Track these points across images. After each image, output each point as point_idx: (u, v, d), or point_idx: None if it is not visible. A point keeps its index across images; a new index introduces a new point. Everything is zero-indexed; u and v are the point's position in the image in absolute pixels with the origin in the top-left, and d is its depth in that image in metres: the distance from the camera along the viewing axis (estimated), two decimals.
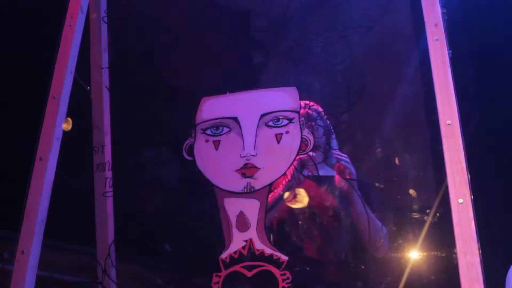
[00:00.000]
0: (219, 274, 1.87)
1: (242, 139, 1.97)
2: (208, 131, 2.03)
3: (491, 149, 2.68)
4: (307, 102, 1.99)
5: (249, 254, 1.88)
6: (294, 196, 1.99)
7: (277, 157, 1.94)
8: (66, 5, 2.20)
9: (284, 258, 1.86)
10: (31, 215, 1.89)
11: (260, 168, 1.94)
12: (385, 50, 2.20)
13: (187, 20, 2.23)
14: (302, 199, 2.00)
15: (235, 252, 1.89)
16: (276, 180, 1.95)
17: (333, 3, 2.09)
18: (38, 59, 2.30)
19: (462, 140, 1.67)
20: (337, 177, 2.02)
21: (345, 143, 2.10)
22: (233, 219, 1.93)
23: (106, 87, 2.31)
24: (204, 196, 2.01)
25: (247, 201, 1.93)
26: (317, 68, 2.03)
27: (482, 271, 1.51)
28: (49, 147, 1.97)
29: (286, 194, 1.98)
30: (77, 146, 2.24)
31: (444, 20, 1.84)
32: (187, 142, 2.05)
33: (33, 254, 1.85)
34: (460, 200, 1.59)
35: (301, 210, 1.98)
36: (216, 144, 2.01)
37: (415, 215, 2.00)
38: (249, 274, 1.87)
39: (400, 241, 1.96)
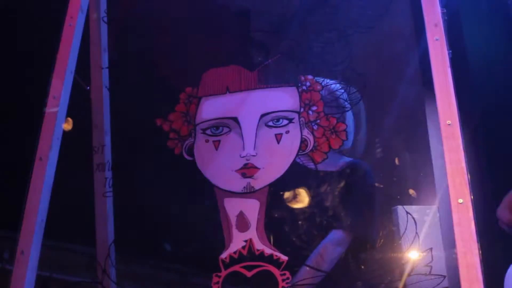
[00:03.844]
0: (219, 274, 1.88)
1: (242, 139, 1.97)
2: (208, 131, 2.03)
3: (491, 149, 2.67)
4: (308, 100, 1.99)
5: (249, 254, 1.88)
6: (295, 196, 2.00)
7: (277, 157, 1.94)
8: (66, 5, 2.20)
9: (284, 258, 1.86)
10: (31, 215, 1.89)
11: (260, 168, 1.94)
12: (385, 50, 2.20)
13: (187, 20, 2.23)
14: (303, 199, 2.00)
15: (235, 252, 1.89)
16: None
17: (333, 3, 2.09)
18: (38, 59, 2.30)
19: (462, 140, 1.66)
20: None
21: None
22: (233, 219, 1.93)
23: (106, 87, 2.31)
24: (204, 196, 2.01)
25: (247, 201, 1.93)
26: (317, 68, 2.03)
27: (482, 271, 1.51)
28: (49, 147, 1.97)
29: (287, 194, 1.99)
30: (77, 146, 2.23)
31: (444, 20, 1.84)
32: (187, 142, 2.05)
33: (33, 254, 1.85)
34: (460, 200, 1.59)
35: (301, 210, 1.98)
36: (216, 144, 2.01)
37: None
38: (249, 274, 1.87)
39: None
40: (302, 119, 1.96)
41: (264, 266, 1.86)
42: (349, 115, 2.06)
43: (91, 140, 2.28)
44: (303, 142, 1.94)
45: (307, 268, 1.87)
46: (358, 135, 2.09)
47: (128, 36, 2.34)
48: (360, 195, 2.00)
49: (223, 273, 1.88)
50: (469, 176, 1.62)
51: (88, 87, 2.31)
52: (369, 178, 2.03)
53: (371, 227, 1.96)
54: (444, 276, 1.76)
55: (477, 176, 1.70)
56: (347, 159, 2.05)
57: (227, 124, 2.01)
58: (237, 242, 1.90)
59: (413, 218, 1.88)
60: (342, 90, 2.02)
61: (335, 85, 2.03)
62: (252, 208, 1.92)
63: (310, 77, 2.00)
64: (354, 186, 1.99)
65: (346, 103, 2.03)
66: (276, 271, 1.84)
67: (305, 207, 1.97)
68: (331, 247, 1.91)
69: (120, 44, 2.35)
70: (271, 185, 1.94)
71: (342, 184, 1.99)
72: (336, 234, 1.94)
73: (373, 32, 2.05)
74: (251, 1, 2.24)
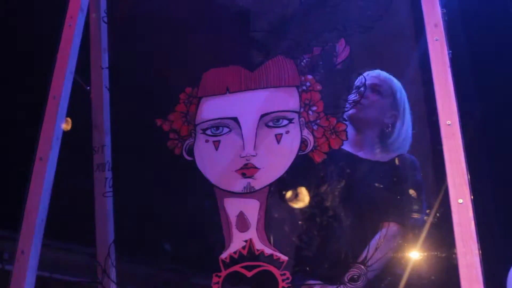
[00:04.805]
0: (219, 274, 1.87)
1: (242, 139, 1.97)
2: (208, 131, 2.03)
3: (491, 149, 2.68)
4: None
5: (249, 254, 1.88)
6: (296, 195, 2.00)
7: (277, 158, 1.94)
8: (66, 5, 2.20)
9: (284, 258, 1.86)
10: (31, 215, 1.89)
11: (260, 169, 1.94)
12: (385, 50, 2.20)
13: (187, 20, 2.23)
14: (303, 198, 2.00)
15: (235, 252, 1.89)
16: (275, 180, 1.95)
17: (333, 3, 2.09)
18: (38, 59, 2.30)
19: (462, 140, 1.66)
20: None
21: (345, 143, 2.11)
22: (233, 219, 1.93)
23: (106, 87, 2.31)
24: (204, 196, 2.01)
25: (247, 201, 1.93)
26: (317, 68, 2.03)
27: (482, 271, 1.51)
28: (49, 147, 1.97)
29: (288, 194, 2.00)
30: (77, 146, 2.23)
31: (444, 20, 1.84)
32: (187, 142, 2.05)
33: (33, 254, 1.85)
34: (460, 201, 1.58)
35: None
36: (216, 144, 2.01)
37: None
38: (249, 274, 1.87)
39: (400, 241, 1.96)
40: (302, 119, 1.96)
41: (264, 266, 1.86)
42: (408, 110, 2.13)
43: (91, 140, 2.28)
44: (303, 142, 1.94)
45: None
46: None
47: (128, 36, 2.34)
48: (410, 189, 2.02)
49: (223, 273, 1.88)
50: (469, 176, 1.61)
51: (88, 87, 2.31)
52: (418, 173, 2.06)
53: (420, 222, 1.96)
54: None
55: (477, 176, 1.69)
56: (396, 152, 2.12)
57: (227, 124, 2.01)
58: (237, 242, 1.90)
59: None
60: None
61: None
62: (252, 208, 1.92)
63: (310, 77, 2.00)
64: (404, 179, 2.04)
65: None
66: (276, 271, 1.84)
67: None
68: (386, 241, 1.92)
69: (120, 44, 2.35)
70: (271, 185, 1.94)
71: (391, 175, 2.04)
72: (391, 228, 1.95)
73: (373, 32, 2.05)
74: (251, 1, 2.24)
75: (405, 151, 2.12)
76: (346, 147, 2.09)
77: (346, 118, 2.04)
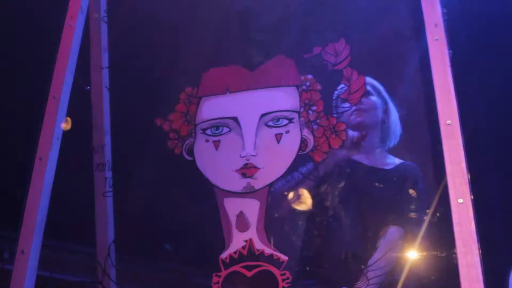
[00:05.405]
0: (219, 274, 1.88)
1: (242, 139, 1.98)
2: (208, 131, 2.04)
3: (491, 149, 2.67)
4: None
5: (249, 254, 1.88)
6: (298, 197, 2.00)
7: (277, 157, 1.94)
8: (66, 5, 2.20)
9: (284, 258, 1.86)
10: (31, 215, 1.89)
11: (260, 168, 1.94)
12: (385, 50, 2.20)
13: (187, 20, 2.23)
14: (305, 200, 2.00)
15: (235, 252, 1.89)
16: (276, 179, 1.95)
17: (333, 3, 2.09)
18: (38, 59, 2.30)
19: (462, 140, 1.66)
20: None
21: (345, 142, 2.10)
22: (233, 219, 1.93)
23: (106, 87, 2.31)
24: (204, 196, 2.01)
25: (247, 201, 1.93)
26: (317, 68, 2.03)
27: (482, 271, 1.51)
28: (49, 147, 1.97)
29: (290, 195, 2.00)
30: (77, 146, 2.23)
31: (444, 20, 1.84)
32: (187, 142, 2.05)
33: (33, 254, 1.85)
34: (460, 200, 1.59)
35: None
36: (216, 144, 2.01)
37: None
38: (249, 274, 1.87)
39: (400, 241, 1.96)
40: (302, 119, 1.97)
41: (264, 266, 1.86)
42: (394, 111, 2.11)
43: (91, 140, 2.28)
44: (303, 142, 1.95)
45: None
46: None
47: (128, 36, 2.34)
48: (411, 195, 2.02)
49: (223, 273, 1.88)
50: (469, 176, 1.61)
51: (88, 87, 2.31)
52: (420, 181, 2.05)
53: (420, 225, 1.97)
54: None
55: (477, 176, 1.69)
56: (397, 159, 2.10)
57: (227, 124, 2.01)
58: (237, 242, 1.90)
59: None
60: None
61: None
62: (252, 208, 1.92)
63: (310, 76, 2.00)
64: (408, 186, 2.03)
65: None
66: (276, 271, 1.84)
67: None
68: (386, 242, 1.93)
69: (120, 44, 2.35)
70: (271, 185, 1.94)
71: (397, 182, 2.04)
72: (395, 232, 1.95)
73: (373, 32, 2.05)
74: (251, 1, 2.24)
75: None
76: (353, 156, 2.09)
77: (352, 128, 2.05)
